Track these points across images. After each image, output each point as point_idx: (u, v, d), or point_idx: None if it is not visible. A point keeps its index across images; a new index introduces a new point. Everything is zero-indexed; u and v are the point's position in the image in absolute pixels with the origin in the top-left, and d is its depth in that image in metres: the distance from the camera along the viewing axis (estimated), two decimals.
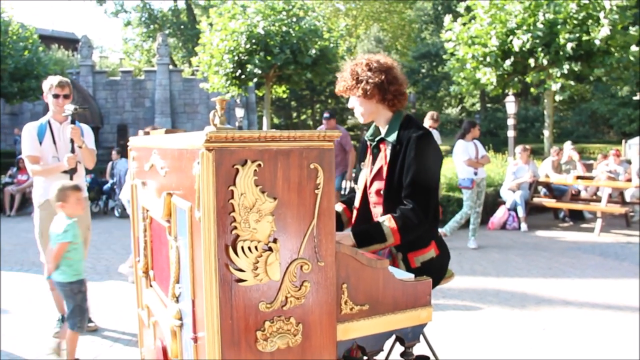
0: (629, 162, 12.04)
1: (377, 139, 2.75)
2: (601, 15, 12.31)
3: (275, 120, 37.40)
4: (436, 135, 8.57)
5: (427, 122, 8.50)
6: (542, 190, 10.99)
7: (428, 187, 2.55)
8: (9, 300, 5.51)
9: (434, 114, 8.69)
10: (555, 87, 13.28)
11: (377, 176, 2.72)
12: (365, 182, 2.79)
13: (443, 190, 9.72)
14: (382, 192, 2.66)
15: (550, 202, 10.54)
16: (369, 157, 2.82)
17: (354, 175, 7.94)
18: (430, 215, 2.56)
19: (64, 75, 21.78)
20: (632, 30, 12.70)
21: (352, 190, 2.95)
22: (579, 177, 10.77)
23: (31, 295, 5.70)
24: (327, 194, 1.81)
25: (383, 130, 2.72)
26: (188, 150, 1.81)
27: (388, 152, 2.66)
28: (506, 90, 15.13)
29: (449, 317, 4.92)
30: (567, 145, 12.09)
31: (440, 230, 7.73)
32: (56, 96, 4.44)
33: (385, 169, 2.65)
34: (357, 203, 2.84)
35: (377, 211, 2.71)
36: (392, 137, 2.64)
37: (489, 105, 36.79)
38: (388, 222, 2.47)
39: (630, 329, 4.62)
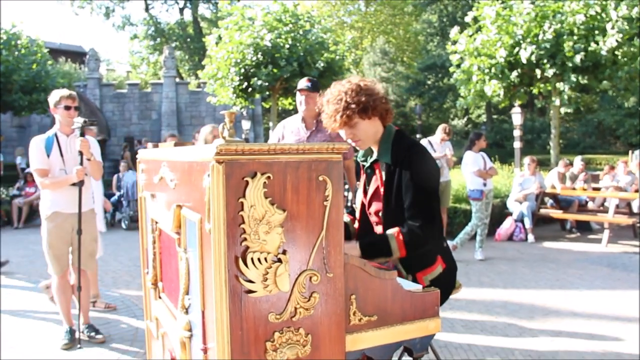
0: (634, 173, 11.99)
1: (370, 160, 2.70)
2: (608, 26, 12.33)
3: None
4: (449, 146, 8.60)
5: (439, 135, 8.57)
6: (549, 201, 10.97)
7: (430, 203, 2.52)
8: (15, 310, 5.54)
9: (445, 127, 8.73)
10: (560, 102, 13.31)
11: (374, 197, 2.69)
12: (362, 202, 2.78)
13: (450, 202, 9.69)
14: (380, 213, 2.64)
15: (557, 213, 10.51)
16: (362, 178, 2.79)
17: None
18: (437, 231, 2.56)
19: (71, 88, 22.04)
20: (638, 42, 12.70)
21: (351, 207, 2.95)
22: (585, 189, 10.76)
23: (37, 306, 5.72)
24: (335, 206, 1.82)
25: (375, 150, 2.67)
26: (198, 162, 1.83)
27: (383, 173, 2.61)
28: (512, 102, 15.15)
29: (457, 329, 4.91)
30: (578, 160, 12.01)
31: (450, 243, 7.74)
32: (67, 108, 4.48)
33: (381, 190, 2.61)
34: (356, 223, 2.85)
35: (379, 230, 2.69)
36: (386, 158, 2.58)
37: (495, 116, 36.77)
38: (396, 236, 2.45)
39: (638, 341, 4.59)
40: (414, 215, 2.48)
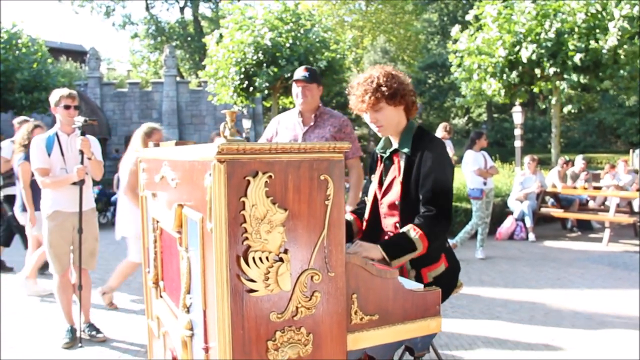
0: (636, 171, 12.00)
1: (390, 150, 2.73)
2: (610, 25, 12.31)
3: None
4: (449, 145, 8.64)
5: (440, 133, 8.64)
6: (550, 200, 10.96)
7: (447, 193, 2.55)
8: (15, 308, 5.54)
9: (446, 125, 8.82)
10: (558, 101, 13.32)
11: (389, 188, 2.69)
12: (375, 193, 2.77)
13: None
14: (396, 203, 2.63)
15: (558, 212, 10.51)
16: (379, 169, 2.79)
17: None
18: (447, 227, 2.57)
19: (71, 87, 22.04)
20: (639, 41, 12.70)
21: (362, 202, 2.93)
22: (586, 188, 10.76)
23: (38, 305, 5.72)
24: (337, 205, 1.82)
25: (395, 142, 2.71)
26: (199, 162, 1.83)
27: (402, 163, 2.63)
28: (513, 101, 15.13)
29: (458, 328, 4.90)
30: (579, 158, 12.00)
31: (451, 241, 7.75)
32: (67, 107, 4.48)
33: (399, 180, 2.62)
34: (366, 215, 2.83)
35: (387, 222, 2.70)
36: (407, 149, 2.62)
37: (495, 115, 36.77)
38: (413, 230, 2.44)
39: (638, 341, 4.60)
40: (430, 201, 2.50)
